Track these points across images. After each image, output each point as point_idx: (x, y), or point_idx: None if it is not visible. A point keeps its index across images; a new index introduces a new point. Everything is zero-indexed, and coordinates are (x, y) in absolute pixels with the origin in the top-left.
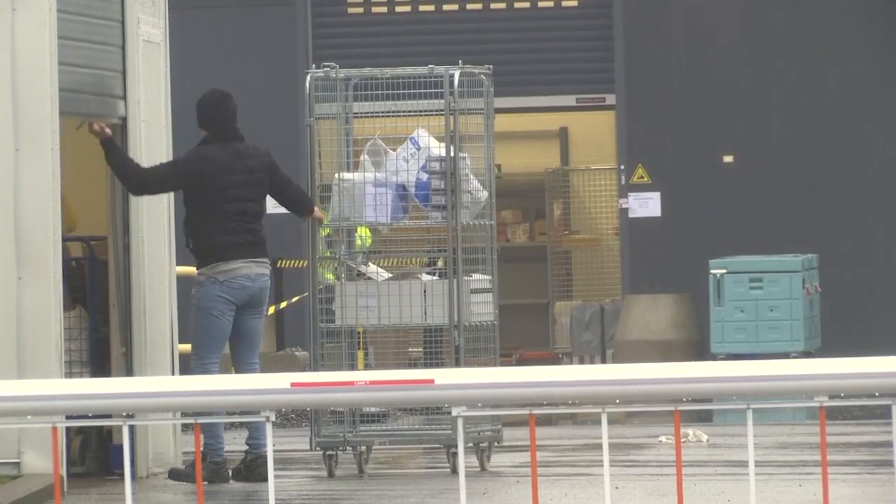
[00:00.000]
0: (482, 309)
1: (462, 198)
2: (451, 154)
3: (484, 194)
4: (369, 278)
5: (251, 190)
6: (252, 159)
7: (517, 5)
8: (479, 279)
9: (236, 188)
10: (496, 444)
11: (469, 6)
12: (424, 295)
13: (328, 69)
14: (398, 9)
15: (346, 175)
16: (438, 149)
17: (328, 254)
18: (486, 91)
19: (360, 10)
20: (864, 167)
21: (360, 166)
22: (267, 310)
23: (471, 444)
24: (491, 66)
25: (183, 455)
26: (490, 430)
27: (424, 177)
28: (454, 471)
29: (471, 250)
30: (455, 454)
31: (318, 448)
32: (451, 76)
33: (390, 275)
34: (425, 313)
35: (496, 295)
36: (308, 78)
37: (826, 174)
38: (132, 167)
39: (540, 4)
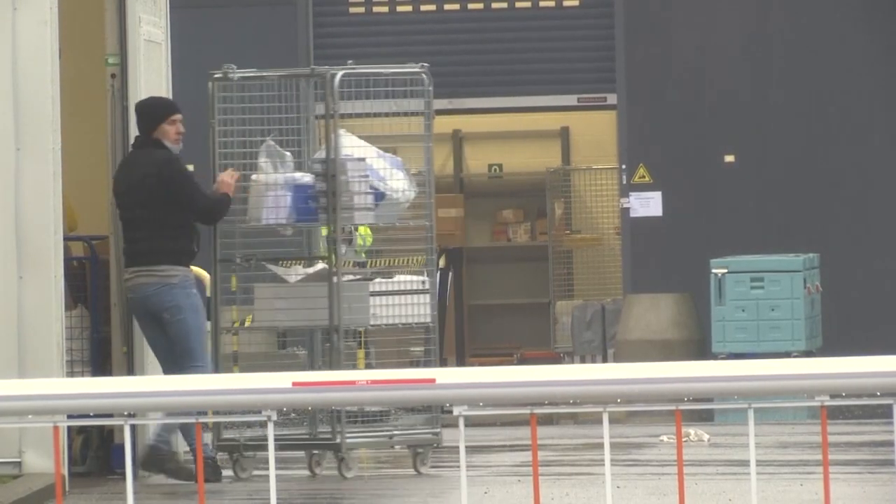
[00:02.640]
0: (416, 310)
1: (354, 200)
2: (332, 156)
3: (409, 194)
4: (283, 279)
5: (131, 197)
6: (135, 165)
7: (518, 5)
8: (410, 280)
9: (120, 196)
10: (435, 446)
11: (470, 6)
12: (334, 296)
13: (227, 70)
14: (399, 8)
15: (254, 176)
16: (352, 149)
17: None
18: (425, 91)
19: (362, 9)
20: (864, 167)
21: (258, 168)
22: (176, 316)
23: (406, 448)
24: (427, 65)
25: (184, 454)
26: (428, 433)
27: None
28: (418, 472)
29: (404, 251)
30: (419, 454)
31: (214, 451)
32: (333, 76)
33: (305, 274)
34: (333, 314)
35: (434, 297)
36: (210, 80)
37: (827, 173)
38: None
39: (541, 4)
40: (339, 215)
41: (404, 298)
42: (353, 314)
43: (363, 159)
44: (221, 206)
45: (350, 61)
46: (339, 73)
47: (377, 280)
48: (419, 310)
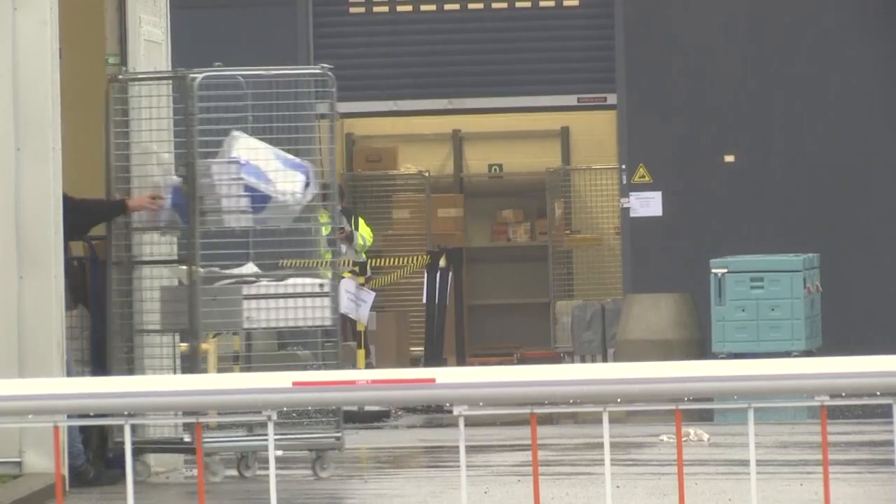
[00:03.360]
0: (311, 314)
1: (222, 203)
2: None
3: (299, 197)
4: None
5: None
6: None
7: (518, 5)
8: (304, 283)
9: None
10: (337, 451)
11: (470, 6)
12: (195, 298)
13: (125, 71)
14: (399, 8)
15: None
16: (244, 150)
17: (329, 255)
18: (329, 92)
19: (362, 9)
20: (864, 166)
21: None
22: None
23: (309, 452)
24: (327, 66)
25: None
26: (330, 437)
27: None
28: (318, 476)
29: (300, 253)
30: (319, 458)
31: (110, 454)
32: (193, 80)
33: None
34: (193, 316)
35: (336, 300)
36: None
37: (826, 174)
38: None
39: (541, 4)
40: (196, 218)
41: (296, 302)
42: (223, 317)
43: (236, 161)
44: (101, 209)
45: (217, 63)
46: (200, 77)
47: (263, 283)
48: (315, 313)
